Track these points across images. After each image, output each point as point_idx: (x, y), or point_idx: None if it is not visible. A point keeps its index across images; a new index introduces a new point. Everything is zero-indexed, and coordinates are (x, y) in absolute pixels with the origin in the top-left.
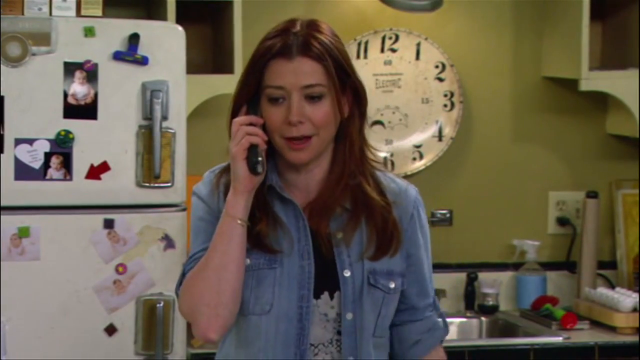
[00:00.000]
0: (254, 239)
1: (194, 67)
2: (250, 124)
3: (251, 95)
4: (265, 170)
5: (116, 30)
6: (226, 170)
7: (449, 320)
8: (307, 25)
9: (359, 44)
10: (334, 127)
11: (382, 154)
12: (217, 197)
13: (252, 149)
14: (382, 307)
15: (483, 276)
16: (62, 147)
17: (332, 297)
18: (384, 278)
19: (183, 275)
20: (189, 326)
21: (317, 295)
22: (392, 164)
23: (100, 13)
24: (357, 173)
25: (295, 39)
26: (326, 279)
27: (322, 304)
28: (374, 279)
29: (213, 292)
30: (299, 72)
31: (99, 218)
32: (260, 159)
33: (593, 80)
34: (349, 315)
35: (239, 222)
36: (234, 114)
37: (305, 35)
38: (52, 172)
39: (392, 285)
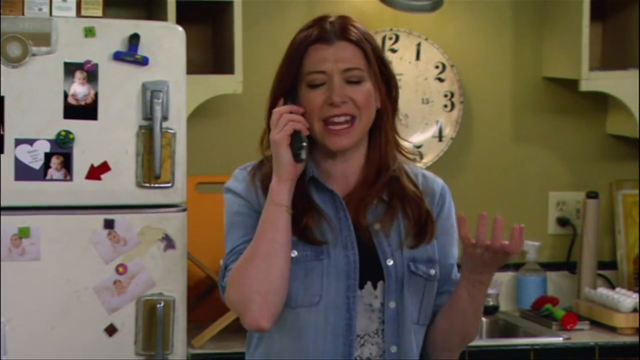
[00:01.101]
0: (301, 231)
1: (194, 67)
2: (291, 113)
3: (290, 86)
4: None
5: (116, 30)
6: (258, 166)
7: None
8: (340, 16)
9: None
10: (373, 111)
11: None
12: (254, 191)
13: (295, 135)
14: (424, 295)
15: None
16: (62, 148)
17: (375, 287)
18: (424, 265)
19: (225, 268)
20: (189, 326)
21: (360, 286)
22: None
23: (100, 13)
24: (394, 166)
25: (332, 26)
26: (368, 270)
27: (366, 294)
28: (415, 266)
29: (263, 279)
30: (339, 56)
31: (99, 218)
32: (304, 144)
33: (593, 81)
34: (392, 304)
35: (284, 209)
36: (272, 106)
37: (341, 23)
38: (52, 172)
39: (432, 272)
